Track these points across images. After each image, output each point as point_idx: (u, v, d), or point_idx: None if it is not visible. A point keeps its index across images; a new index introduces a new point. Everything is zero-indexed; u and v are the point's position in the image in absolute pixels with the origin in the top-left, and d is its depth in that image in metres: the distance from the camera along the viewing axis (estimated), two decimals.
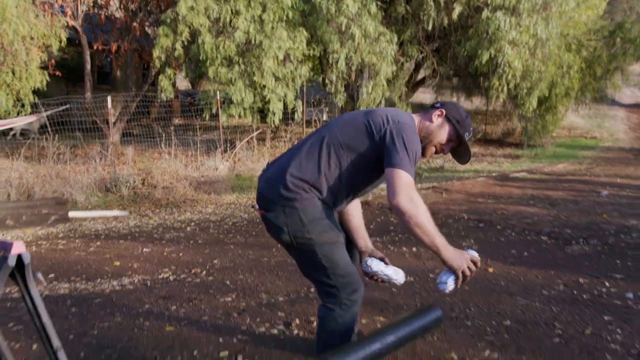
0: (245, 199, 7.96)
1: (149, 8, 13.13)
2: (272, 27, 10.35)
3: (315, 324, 3.03)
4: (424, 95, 24.18)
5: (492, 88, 11.36)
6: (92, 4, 12.53)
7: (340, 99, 11.35)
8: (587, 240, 4.89)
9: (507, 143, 18.12)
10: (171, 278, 4.19)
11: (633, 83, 38.97)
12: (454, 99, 21.90)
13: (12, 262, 1.77)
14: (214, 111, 10.65)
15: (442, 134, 2.25)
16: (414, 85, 16.77)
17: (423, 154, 2.27)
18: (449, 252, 2.05)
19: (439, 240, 2.03)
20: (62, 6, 11.30)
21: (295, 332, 3.06)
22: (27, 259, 1.81)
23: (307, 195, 2.15)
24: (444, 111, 2.24)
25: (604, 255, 4.53)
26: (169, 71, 10.62)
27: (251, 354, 2.75)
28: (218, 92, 10.16)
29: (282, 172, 2.18)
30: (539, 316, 3.26)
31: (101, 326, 3.15)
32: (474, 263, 2.09)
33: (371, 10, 10.75)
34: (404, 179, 2.02)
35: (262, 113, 11.08)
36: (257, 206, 2.29)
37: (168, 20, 10.26)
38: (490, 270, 4.17)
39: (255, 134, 10.66)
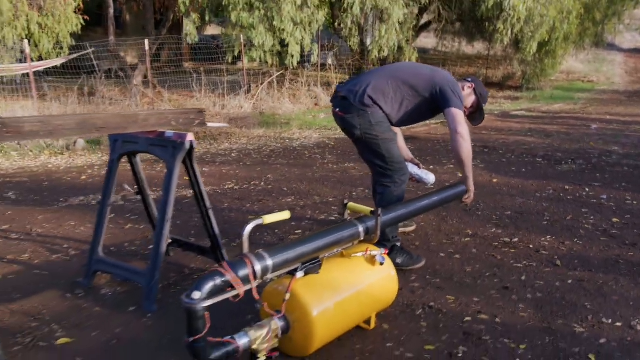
0: (273, 132, 8.87)
1: None
2: None
3: None
4: (427, 40, 24.59)
5: (497, 32, 12.08)
6: None
7: (354, 43, 12.07)
8: (574, 161, 5.87)
9: (507, 86, 18.85)
10: (236, 188, 5.16)
11: (634, 27, 39.15)
12: (456, 44, 22.50)
13: (187, 145, 2.72)
14: (235, 54, 11.40)
15: (469, 101, 3.24)
16: (418, 30, 17.36)
17: None
18: (471, 177, 3.15)
19: (470, 166, 3.10)
20: None
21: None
22: (194, 144, 2.77)
23: (376, 107, 3.08)
24: (473, 85, 3.21)
25: (587, 171, 5.52)
26: (193, 16, 11.30)
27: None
28: (242, 36, 10.88)
29: (362, 88, 3.09)
30: (533, 209, 4.28)
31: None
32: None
33: None
34: (461, 115, 3.01)
35: (280, 55, 11.83)
36: (336, 109, 3.22)
37: None
38: (495, 180, 5.17)
39: (275, 76, 11.45)
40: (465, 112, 3.24)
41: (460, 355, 2.25)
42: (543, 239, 3.64)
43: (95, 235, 3.01)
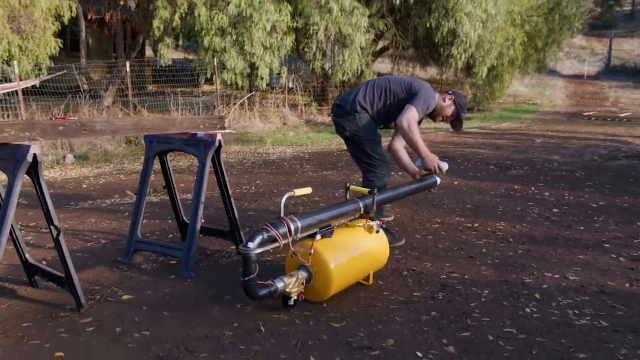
0: (248, 148, 9.51)
1: None
2: (260, 2, 11.76)
3: None
4: (382, 65, 25.80)
5: (451, 57, 13.14)
6: None
7: (317, 66, 12.90)
8: (521, 167, 6.77)
9: None
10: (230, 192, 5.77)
11: (573, 55, 41.76)
12: (410, 68, 23.77)
13: (217, 143, 3.38)
14: (208, 76, 12.02)
15: (449, 110, 3.92)
16: (374, 55, 18.40)
17: (434, 119, 4.00)
18: (428, 154, 3.77)
19: (422, 146, 3.68)
20: None
21: None
22: (222, 142, 3.42)
23: (364, 112, 3.81)
24: (453, 97, 3.92)
25: (532, 175, 6.41)
26: (167, 40, 11.91)
27: None
28: (215, 59, 11.53)
29: (352, 96, 3.83)
30: (488, 203, 5.08)
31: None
32: (440, 169, 3.81)
33: None
34: (412, 112, 3.67)
35: (250, 78, 12.52)
36: (332, 114, 3.94)
37: None
38: (455, 183, 5.98)
39: (246, 97, 12.12)
40: (446, 119, 3.98)
41: (440, 298, 2.96)
42: (498, 224, 4.42)
43: (134, 221, 3.60)
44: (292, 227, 2.67)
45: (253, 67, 12.21)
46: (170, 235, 4.24)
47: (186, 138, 3.48)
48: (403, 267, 3.44)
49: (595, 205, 5.01)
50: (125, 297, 2.99)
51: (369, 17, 14.06)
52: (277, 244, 2.64)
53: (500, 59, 15.85)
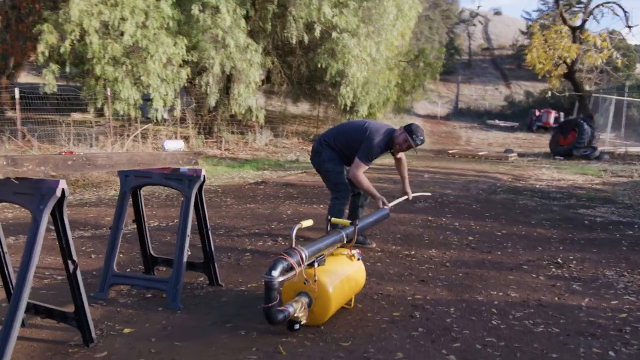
0: None
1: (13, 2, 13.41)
2: (154, 34, 11.71)
3: None
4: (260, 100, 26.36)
5: (340, 95, 14.00)
6: None
7: (212, 99, 13.03)
8: (425, 200, 7.50)
9: None
10: (162, 225, 5.76)
11: (425, 97, 45.55)
12: (282, 103, 24.65)
13: (202, 178, 3.54)
14: (99, 106, 11.62)
15: (400, 139, 4.60)
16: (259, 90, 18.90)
17: (395, 152, 4.75)
18: (375, 194, 4.55)
19: (370, 188, 4.56)
20: None
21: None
22: (205, 177, 3.59)
23: (330, 149, 4.35)
24: (402, 128, 4.60)
25: (437, 207, 7.17)
26: (52, 66, 11.35)
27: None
28: (108, 89, 11.20)
29: (321, 138, 4.45)
30: (414, 232, 5.66)
31: None
32: (384, 204, 4.48)
33: (241, 25, 12.67)
34: (358, 162, 4.48)
35: (142, 109, 12.30)
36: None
37: (55, 19, 11.02)
38: None
39: (140, 130, 11.86)
40: (402, 148, 4.67)
41: (418, 316, 3.36)
42: (430, 251, 4.98)
43: (110, 254, 3.58)
44: (303, 256, 2.93)
45: (147, 98, 12.05)
46: (128, 269, 4.21)
47: (167, 173, 3.57)
48: (370, 292, 3.80)
49: (499, 234, 5.79)
50: (126, 330, 3.00)
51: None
52: (293, 272, 2.87)
53: (378, 99, 17.15)
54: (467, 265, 4.57)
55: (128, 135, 11.35)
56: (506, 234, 5.79)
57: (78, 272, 2.67)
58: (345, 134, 4.73)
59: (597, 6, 19.67)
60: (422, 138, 4.64)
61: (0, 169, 2.33)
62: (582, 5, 20.70)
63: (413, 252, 4.91)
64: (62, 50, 11.07)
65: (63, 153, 2.68)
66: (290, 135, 19.80)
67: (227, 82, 14.02)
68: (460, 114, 45.66)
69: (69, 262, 2.65)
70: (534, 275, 4.32)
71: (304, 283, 2.97)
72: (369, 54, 13.63)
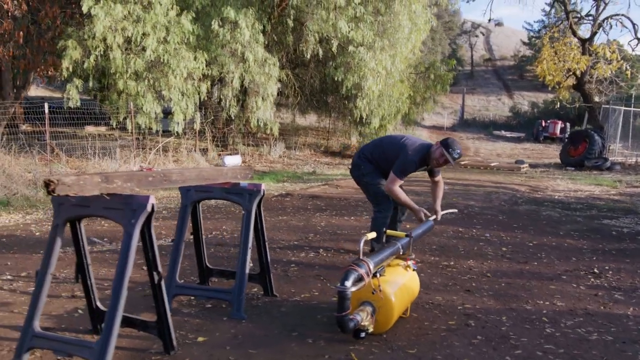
0: (176, 193, 9.50)
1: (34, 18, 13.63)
2: (175, 49, 11.90)
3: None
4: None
5: (356, 108, 14.16)
6: None
7: (233, 112, 13.21)
8: (452, 212, 7.62)
9: (347, 155, 21.26)
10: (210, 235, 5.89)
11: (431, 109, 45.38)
12: (291, 116, 24.88)
13: (262, 192, 3.68)
14: (120, 119, 11.80)
15: (437, 154, 4.57)
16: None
17: (433, 167, 4.75)
18: (413, 207, 4.63)
19: (408, 201, 4.63)
20: None
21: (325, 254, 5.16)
22: (264, 191, 3.73)
23: (368, 162, 4.54)
24: (439, 143, 4.61)
25: (465, 218, 7.30)
26: (76, 81, 11.53)
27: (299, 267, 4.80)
28: (131, 103, 11.39)
29: (360, 152, 4.53)
30: (448, 244, 5.77)
31: None
32: (427, 216, 4.58)
33: (259, 39, 12.87)
34: (392, 177, 4.56)
35: (163, 122, 12.48)
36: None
37: (80, 35, 11.23)
38: (408, 226, 6.64)
39: (162, 143, 12.04)
40: (440, 163, 4.62)
41: (473, 325, 3.48)
42: (468, 262, 5.10)
43: (173, 266, 3.71)
44: (371, 267, 3.07)
45: (168, 112, 12.24)
46: (182, 281, 4.34)
47: (228, 187, 3.72)
48: (421, 302, 3.92)
49: (531, 244, 5.91)
50: (200, 339, 3.14)
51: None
52: (363, 283, 3.01)
53: (390, 111, 17.30)
54: (507, 275, 4.69)
55: (151, 149, 11.52)
56: (537, 244, 5.91)
57: (162, 283, 2.81)
58: (382, 147, 4.82)
59: (606, 18, 19.89)
60: (459, 152, 4.59)
61: (95, 186, 2.45)
62: (591, 18, 20.87)
63: (452, 263, 5.04)
64: (85, 65, 11.24)
65: (144, 169, 2.80)
66: (303, 147, 19.98)
67: (243, 95, 14.20)
68: (466, 124, 45.94)
69: (154, 273, 2.79)
70: (574, 285, 4.44)
71: (372, 293, 3.10)
72: (384, 67, 13.82)
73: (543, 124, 33.38)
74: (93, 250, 5.28)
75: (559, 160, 19.16)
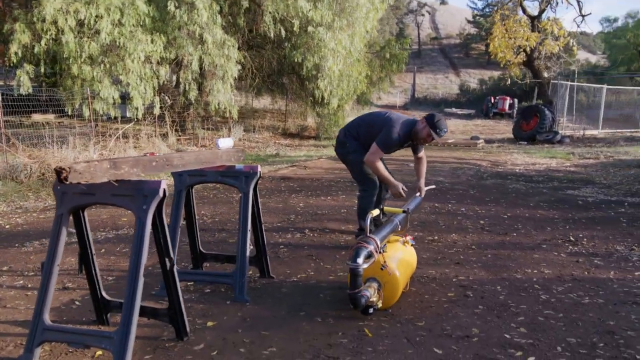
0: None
1: None
2: (131, 31, 11.53)
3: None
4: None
5: (317, 88, 14.11)
6: None
7: (193, 95, 12.95)
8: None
9: (305, 136, 21.23)
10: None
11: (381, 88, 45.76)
12: (247, 98, 24.69)
13: (258, 174, 3.66)
14: (76, 106, 11.38)
15: (424, 133, 4.52)
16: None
17: (418, 143, 4.69)
18: (391, 182, 4.57)
19: (386, 175, 4.55)
20: None
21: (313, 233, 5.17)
22: (260, 173, 3.70)
23: (353, 139, 4.55)
24: (425, 121, 4.54)
25: (439, 194, 7.43)
26: (27, 67, 11.04)
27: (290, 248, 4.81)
28: (87, 89, 10.98)
29: (345, 129, 4.56)
30: (428, 219, 5.89)
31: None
32: (400, 194, 4.58)
33: (217, 20, 12.61)
34: (375, 148, 4.49)
35: (121, 108, 12.12)
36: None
37: (28, 18, 10.72)
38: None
39: (121, 130, 11.69)
40: (426, 141, 4.59)
41: (472, 295, 3.59)
42: (451, 235, 5.23)
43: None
44: (378, 242, 3.11)
45: (125, 97, 11.89)
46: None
47: (223, 170, 3.67)
48: (416, 276, 4.00)
49: (506, 216, 6.10)
50: (209, 323, 3.11)
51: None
52: (373, 259, 3.05)
53: (348, 90, 17.34)
54: (491, 247, 4.83)
55: (110, 136, 11.18)
56: (512, 216, 6.10)
57: (175, 269, 2.77)
58: (367, 124, 4.74)
59: None
60: (445, 130, 4.58)
61: (105, 172, 2.35)
62: None
63: (437, 237, 5.15)
64: (36, 50, 10.77)
65: (147, 154, 2.70)
66: (261, 130, 19.84)
67: (201, 78, 13.93)
68: (417, 103, 46.62)
69: (166, 259, 2.74)
70: (555, 253, 4.63)
71: (381, 269, 3.15)
72: (343, 46, 13.82)
73: (492, 100, 34.15)
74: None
75: (511, 135, 19.72)
